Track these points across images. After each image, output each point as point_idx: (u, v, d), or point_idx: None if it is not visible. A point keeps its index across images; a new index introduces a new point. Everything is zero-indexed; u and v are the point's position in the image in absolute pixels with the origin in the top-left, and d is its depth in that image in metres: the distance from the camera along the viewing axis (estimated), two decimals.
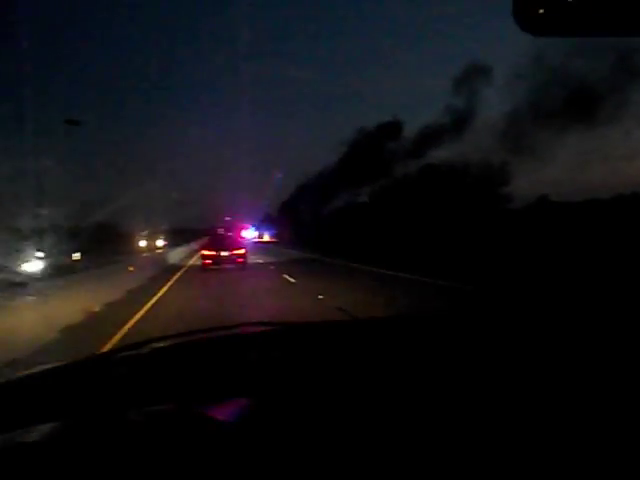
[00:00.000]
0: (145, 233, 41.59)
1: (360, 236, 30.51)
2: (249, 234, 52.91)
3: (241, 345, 1.54)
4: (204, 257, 18.67)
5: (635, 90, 38.92)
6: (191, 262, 23.80)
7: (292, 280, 13.47)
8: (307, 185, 56.17)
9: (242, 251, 18.78)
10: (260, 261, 22.17)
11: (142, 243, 40.79)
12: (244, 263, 18.49)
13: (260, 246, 43.39)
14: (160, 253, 26.69)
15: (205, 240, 20.68)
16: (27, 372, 1.26)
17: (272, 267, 18.95)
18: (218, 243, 18.88)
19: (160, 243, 42.34)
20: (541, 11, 0.87)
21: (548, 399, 0.93)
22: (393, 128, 44.66)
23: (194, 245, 39.17)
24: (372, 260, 18.49)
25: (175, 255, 26.28)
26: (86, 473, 0.71)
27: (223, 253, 18.26)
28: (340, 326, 1.92)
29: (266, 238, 64.37)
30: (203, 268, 18.25)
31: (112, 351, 1.44)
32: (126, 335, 6.89)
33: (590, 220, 21.15)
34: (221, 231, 21.08)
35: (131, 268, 13.25)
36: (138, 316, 8.57)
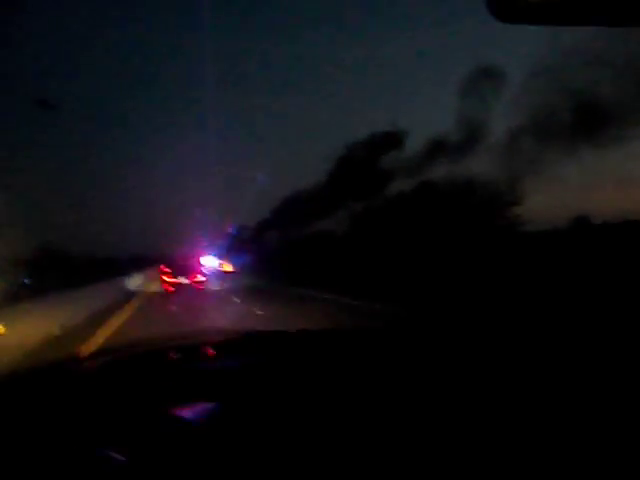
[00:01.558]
0: None
1: (341, 265, 25.71)
2: (210, 262, 42.23)
3: (207, 352, 1.59)
4: (164, 283, 19.34)
5: None
6: None
7: None
8: (284, 207, 48.67)
9: (203, 278, 19.97)
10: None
11: None
12: (203, 289, 19.25)
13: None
14: None
15: (161, 268, 20.56)
16: None
17: None
18: (178, 270, 19.47)
19: None
20: None
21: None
22: (392, 139, 37.95)
23: (138, 279, 25.92)
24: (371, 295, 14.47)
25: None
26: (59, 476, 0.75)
27: (183, 280, 18.95)
28: (305, 335, 1.94)
29: (227, 267, 48.36)
30: (165, 294, 18.48)
31: (79, 358, 1.43)
32: None
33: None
34: (181, 260, 20.76)
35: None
36: None
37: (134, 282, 24.34)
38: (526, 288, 12.62)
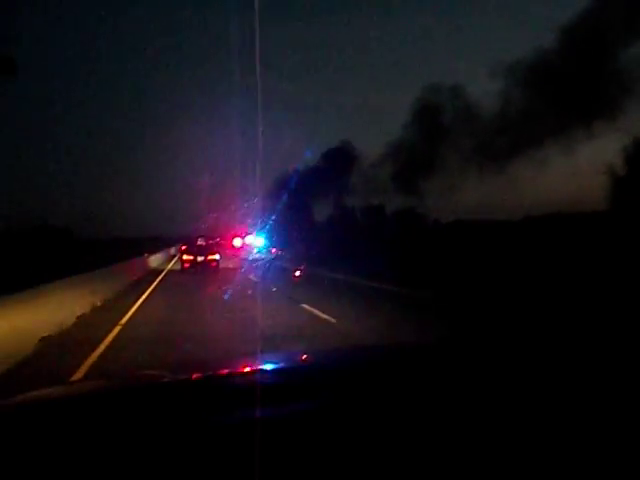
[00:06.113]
0: None
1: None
2: (253, 240, 32.62)
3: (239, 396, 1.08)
4: (183, 261, 22.13)
5: None
6: None
7: None
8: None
9: (217, 257, 22.13)
10: None
11: None
12: (217, 267, 21.50)
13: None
14: None
15: (180, 248, 23.66)
16: None
17: None
18: (196, 250, 22.12)
19: None
20: None
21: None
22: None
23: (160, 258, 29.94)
24: None
25: None
26: None
27: (199, 258, 21.48)
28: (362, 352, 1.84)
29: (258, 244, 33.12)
30: (183, 270, 21.54)
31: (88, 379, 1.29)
32: None
33: None
34: (200, 241, 23.43)
35: None
36: None
37: (156, 260, 27.56)
38: None
